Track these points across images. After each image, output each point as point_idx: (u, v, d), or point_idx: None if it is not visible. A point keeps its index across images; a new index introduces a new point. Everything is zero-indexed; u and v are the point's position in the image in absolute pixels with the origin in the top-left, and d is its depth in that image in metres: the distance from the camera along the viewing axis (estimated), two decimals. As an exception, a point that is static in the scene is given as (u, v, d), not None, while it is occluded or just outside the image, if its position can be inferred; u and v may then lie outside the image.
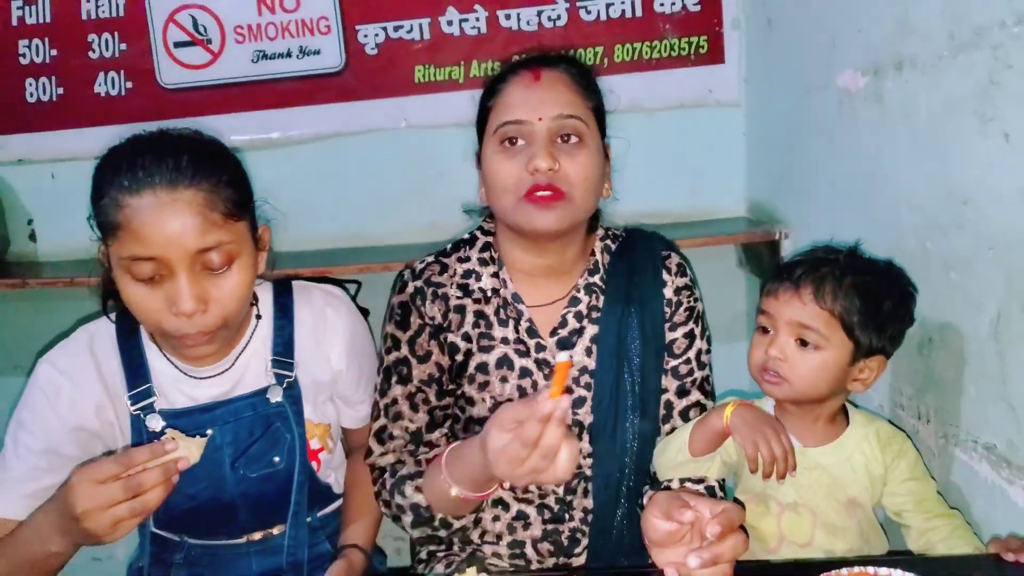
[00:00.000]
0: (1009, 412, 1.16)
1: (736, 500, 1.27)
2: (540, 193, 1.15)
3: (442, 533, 1.21)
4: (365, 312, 1.57)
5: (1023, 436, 1.14)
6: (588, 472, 1.28)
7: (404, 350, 1.26)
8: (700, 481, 1.22)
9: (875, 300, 1.22)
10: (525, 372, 1.26)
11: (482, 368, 1.27)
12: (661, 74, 2.23)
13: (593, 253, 1.31)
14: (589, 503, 1.28)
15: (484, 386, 1.27)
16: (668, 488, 1.22)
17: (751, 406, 1.17)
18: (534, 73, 1.20)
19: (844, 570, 0.90)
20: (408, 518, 1.21)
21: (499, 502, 1.30)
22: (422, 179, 2.23)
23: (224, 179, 1.09)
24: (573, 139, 1.18)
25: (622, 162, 1.41)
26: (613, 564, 1.24)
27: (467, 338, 1.27)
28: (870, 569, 0.90)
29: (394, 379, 1.26)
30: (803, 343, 1.19)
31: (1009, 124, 1.10)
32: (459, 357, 1.27)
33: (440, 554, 1.35)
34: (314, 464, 1.27)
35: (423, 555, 1.38)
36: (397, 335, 1.27)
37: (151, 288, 1.06)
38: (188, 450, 0.99)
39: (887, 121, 1.44)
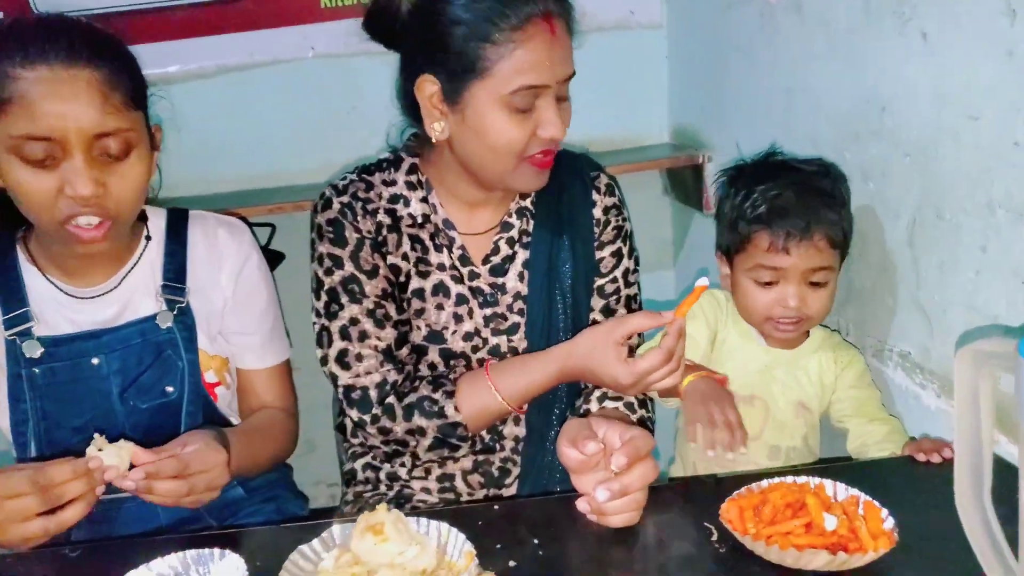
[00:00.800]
0: (922, 318, 1.17)
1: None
2: (546, 158, 1.12)
3: (461, 452, 1.20)
4: (280, 256, 1.49)
5: (935, 341, 1.15)
6: None
7: (349, 266, 1.17)
8: (620, 398, 1.21)
9: (847, 204, 1.23)
10: (461, 299, 1.22)
11: (418, 294, 1.21)
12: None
13: None
14: (520, 431, 1.26)
15: (420, 313, 1.21)
16: (586, 412, 1.20)
17: (710, 379, 1.17)
18: (550, 25, 1.06)
19: (764, 481, 0.90)
20: (428, 440, 1.15)
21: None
22: (335, 113, 2.12)
23: (122, 64, 1.02)
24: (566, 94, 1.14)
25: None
26: (545, 491, 1.22)
27: (406, 259, 1.21)
28: (789, 479, 0.90)
29: (345, 299, 1.16)
30: (813, 283, 1.19)
31: (927, 23, 1.08)
32: (401, 279, 1.21)
33: (368, 494, 1.31)
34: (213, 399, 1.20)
35: (350, 496, 1.34)
36: (336, 252, 1.17)
37: (42, 171, 0.97)
38: (119, 457, 0.91)
39: (806, 31, 1.41)
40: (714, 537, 0.86)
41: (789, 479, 0.90)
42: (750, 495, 0.88)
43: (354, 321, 1.16)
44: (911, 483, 0.97)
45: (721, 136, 1.91)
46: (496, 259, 1.23)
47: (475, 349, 1.21)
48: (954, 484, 0.64)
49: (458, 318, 1.21)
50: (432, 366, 1.22)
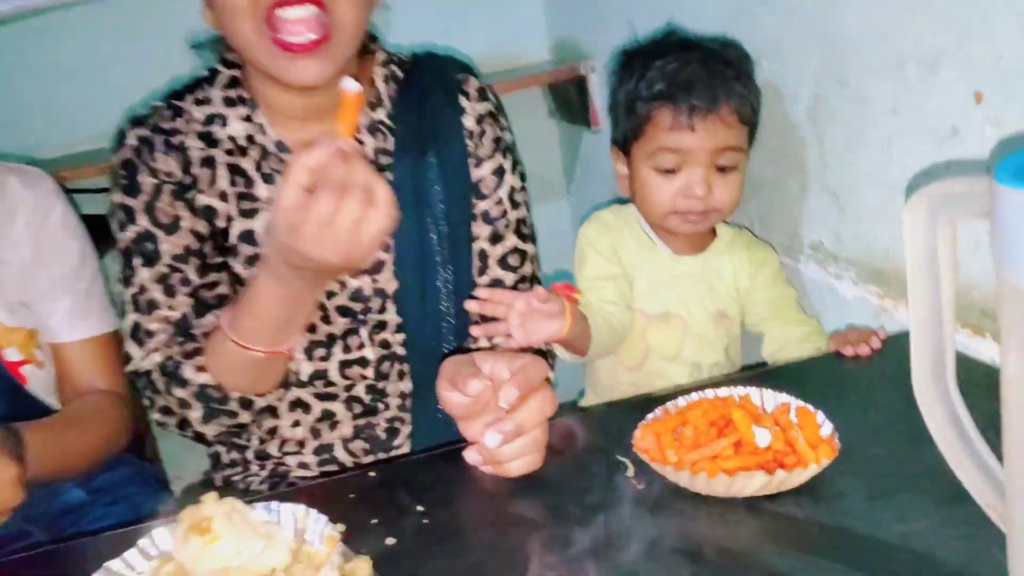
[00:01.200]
0: (832, 202, 1.06)
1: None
2: (294, 39, 0.89)
3: (244, 418, 0.98)
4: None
5: (847, 225, 1.05)
6: (400, 350, 1.08)
7: (143, 221, 0.96)
8: None
9: (753, 84, 1.10)
10: None
11: (247, 238, 1.00)
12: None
13: (373, 83, 1.06)
14: (407, 385, 1.09)
15: (252, 260, 1.01)
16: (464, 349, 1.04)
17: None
18: None
19: (681, 399, 0.77)
20: (197, 412, 0.96)
21: (298, 404, 1.08)
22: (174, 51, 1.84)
23: None
24: None
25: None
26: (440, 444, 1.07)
27: (224, 198, 0.99)
28: (709, 393, 0.77)
29: (138, 261, 0.96)
30: (721, 168, 1.05)
31: None
32: (220, 223, 1.00)
33: (236, 477, 1.12)
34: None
35: (219, 482, 1.15)
36: (128, 203, 0.96)
37: None
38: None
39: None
40: (629, 472, 0.73)
41: (709, 393, 0.78)
42: (667, 417, 0.75)
43: (143, 289, 0.96)
44: (843, 382, 0.86)
45: (604, 43, 1.75)
46: None
47: (329, 296, 1.02)
48: (912, 371, 0.52)
49: None
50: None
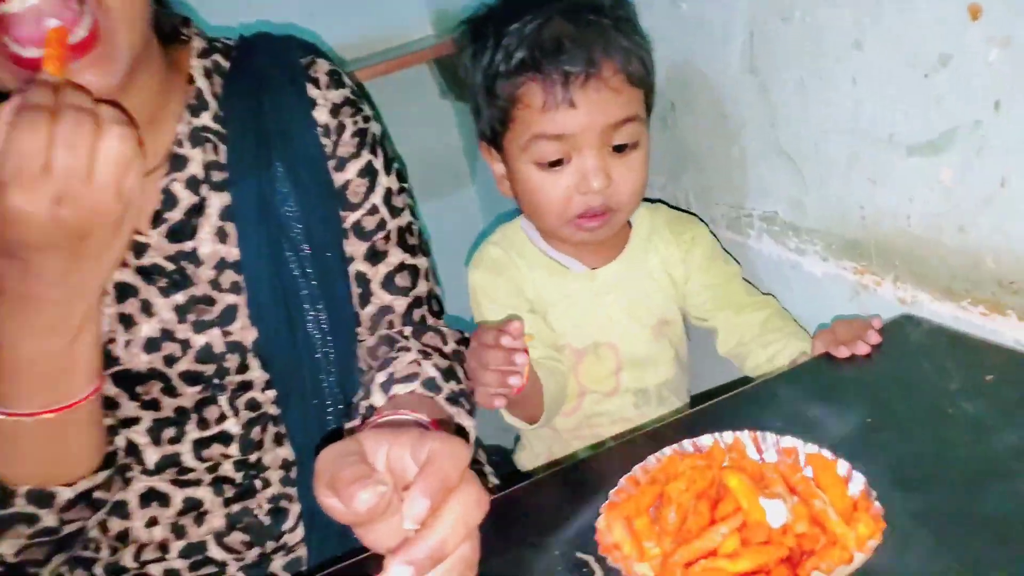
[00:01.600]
0: (786, 163, 0.88)
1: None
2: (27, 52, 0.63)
3: (50, 521, 0.71)
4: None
5: (808, 189, 0.87)
6: (273, 409, 0.85)
7: None
8: (415, 376, 0.82)
9: (639, 34, 0.87)
10: (126, 290, 0.78)
11: None
12: None
13: (191, 80, 0.81)
14: (287, 452, 0.86)
15: None
16: (370, 412, 0.81)
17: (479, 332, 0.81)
18: None
19: (651, 459, 0.56)
20: None
21: (151, 496, 0.83)
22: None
23: None
24: None
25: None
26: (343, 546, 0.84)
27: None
28: (685, 446, 0.57)
29: None
30: (619, 148, 0.83)
31: None
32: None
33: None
34: None
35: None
36: None
37: None
38: None
39: None
40: (598, 579, 0.52)
41: (686, 446, 0.58)
42: (637, 492, 0.54)
43: None
44: (849, 396, 0.66)
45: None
46: (173, 215, 0.79)
47: (171, 361, 0.79)
48: None
49: (128, 320, 0.78)
50: (111, 404, 0.78)
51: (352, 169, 0.85)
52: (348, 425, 0.78)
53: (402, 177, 0.91)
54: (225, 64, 0.84)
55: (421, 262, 0.91)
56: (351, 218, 0.86)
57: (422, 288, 0.90)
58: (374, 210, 0.86)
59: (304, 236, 0.82)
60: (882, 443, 0.57)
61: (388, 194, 0.88)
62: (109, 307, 0.76)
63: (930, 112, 0.69)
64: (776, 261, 0.96)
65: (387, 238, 0.87)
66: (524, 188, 0.88)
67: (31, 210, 0.55)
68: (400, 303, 0.87)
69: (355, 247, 0.86)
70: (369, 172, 0.86)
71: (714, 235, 0.99)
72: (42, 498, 0.70)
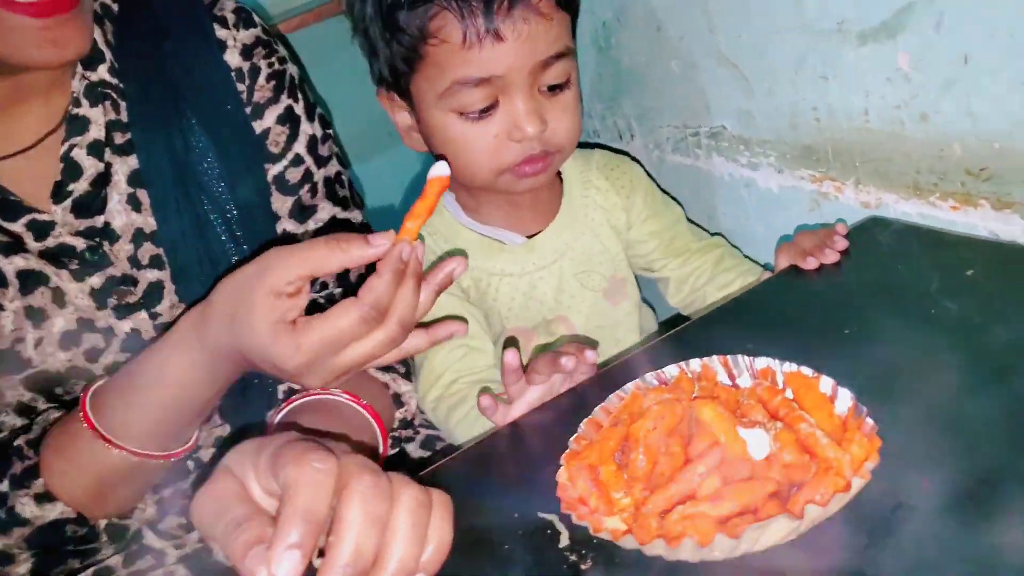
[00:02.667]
0: (730, 73, 0.81)
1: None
2: None
3: (110, 557, 0.71)
4: None
5: (756, 98, 0.80)
6: None
7: None
8: (388, 370, 0.75)
9: None
10: (31, 278, 0.67)
11: None
12: None
13: None
14: (222, 430, 0.78)
15: None
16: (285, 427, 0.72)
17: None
18: None
19: (612, 398, 0.50)
20: (24, 566, 0.66)
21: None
22: None
23: None
24: None
25: None
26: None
27: None
28: (648, 380, 0.51)
29: None
30: (551, 88, 0.73)
31: None
32: None
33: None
34: None
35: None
36: None
37: None
38: None
39: None
40: (563, 542, 0.46)
41: (650, 379, 0.51)
42: (601, 436, 0.48)
43: None
44: (822, 310, 0.61)
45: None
46: (79, 186, 0.69)
47: (94, 355, 0.69)
48: None
49: (37, 314, 0.68)
50: (25, 409, 0.69)
51: (270, 116, 0.76)
52: (270, 415, 0.69)
53: (326, 123, 0.82)
54: (113, 6, 0.73)
55: (355, 216, 0.82)
56: (273, 170, 0.76)
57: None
58: (298, 160, 0.77)
59: (229, 195, 0.73)
60: (865, 354, 0.51)
61: (312, 142, 0.79)
62: (12, 301, 0.66)
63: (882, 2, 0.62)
64: (728, 180, 0.90)
65: (314, 191, 0.79)
66: (445, 141, 0.76)
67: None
68: None
69: (280, 203, 0.77)
70: (290, 118, 0.77)
71: (649, 176, 0.91)
72: (116, 531, 0.69)
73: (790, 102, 0.76)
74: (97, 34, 0.70)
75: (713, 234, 0.90)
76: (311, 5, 1.55)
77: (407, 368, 0.77)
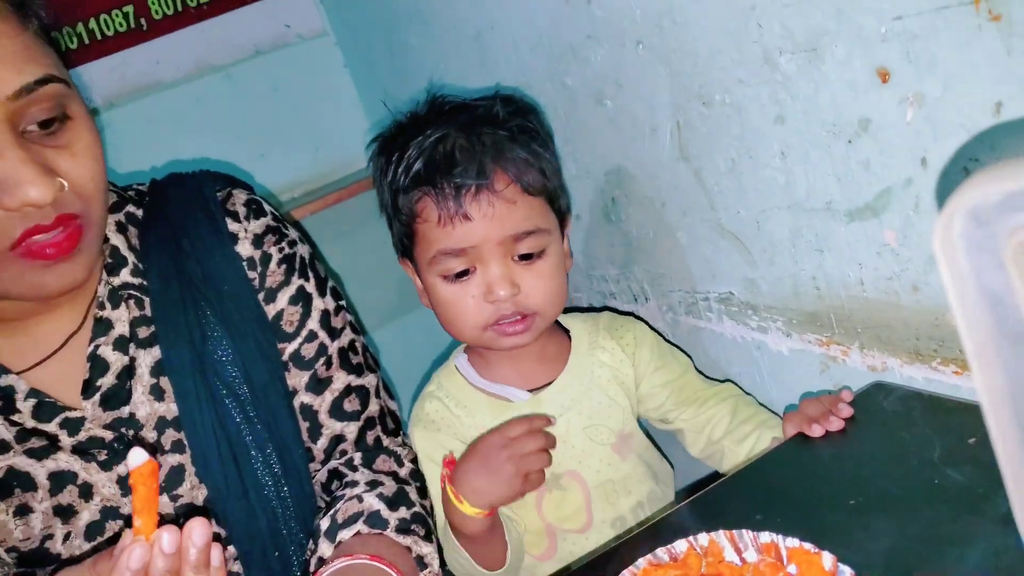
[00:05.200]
0: (732, 244, 0.87)
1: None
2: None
3: None
4: None
5: (758, 268, 0.85)
6: (236, 567, 0.78)
7: None
8: (356, 518, 0.76)
9: (541, 142, 0.86)
10: (63, 479, 0.71)
11: None
12: (214, 22, 1.73)
13: (107, 238, 0.78)
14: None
15: None
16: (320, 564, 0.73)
17: (468, 456, 0.78)
18: None
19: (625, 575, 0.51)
20: None
21: None
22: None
23: None
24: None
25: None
26: None
27: None
28: (659, 555, 0.52)
29: None
30: (526, 256, 0.82)
31: None
32: None
33: None
34: None
35: None
36: None
37: None
38: None
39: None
40: None
41: (661, 555, 0.52)
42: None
43: None
44: (827, 479, 0.62)
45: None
46: (105, 380, 0.74)
47: (118, 540, 0.72)
48: (1003, 471, 0.30)
49: (66, 511, 0.72)
50: None
51: (283, 298, 0.82)
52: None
53: (338, 295, 0.88)
54: (138, 213, 0.82)
55: (369, 380, 0.86)
56: (289, 349, 0.82)
57: (373, 408, 0.85)
58: (312, 336, 0.83)
59: (242, 378, 0.78)
60: (869, 526, 0.52)
61: (325, 317, 0.84)
62: (42, 503, 0.70)
63: (860, 176, 0.68)
64: (740, 342, 0.93)
65: (328, 363, 0.83)
66: (436, 301, 0.85)
67: None
68: (351, 428, 0.83)
69: (296, 378, 0.82)
70: (302, 297, 0.83)
71: (656, 332, 0.95)
72: None
73: (790, 272, 0.81)
74: (121, 241, 0.78)
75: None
76: (345, 183, 1.69)
77: (426, 529, 0.79)
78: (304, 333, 0.82)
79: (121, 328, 0.75)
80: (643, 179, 0.95)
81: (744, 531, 0.51)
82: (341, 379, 0.83)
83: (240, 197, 0.84)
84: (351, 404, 0.83)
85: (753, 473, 0.66)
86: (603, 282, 1.14)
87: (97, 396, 0.73)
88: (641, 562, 0.53)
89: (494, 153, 0.80)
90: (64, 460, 0.72)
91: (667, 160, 0.90)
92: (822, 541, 0.48)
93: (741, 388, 0.91)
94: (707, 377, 0.93)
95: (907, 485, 0.56)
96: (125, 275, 0.77)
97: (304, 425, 0.82)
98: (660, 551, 0.53)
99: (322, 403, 0.82)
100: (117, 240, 0.78)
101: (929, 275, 0.66)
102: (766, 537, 0.50)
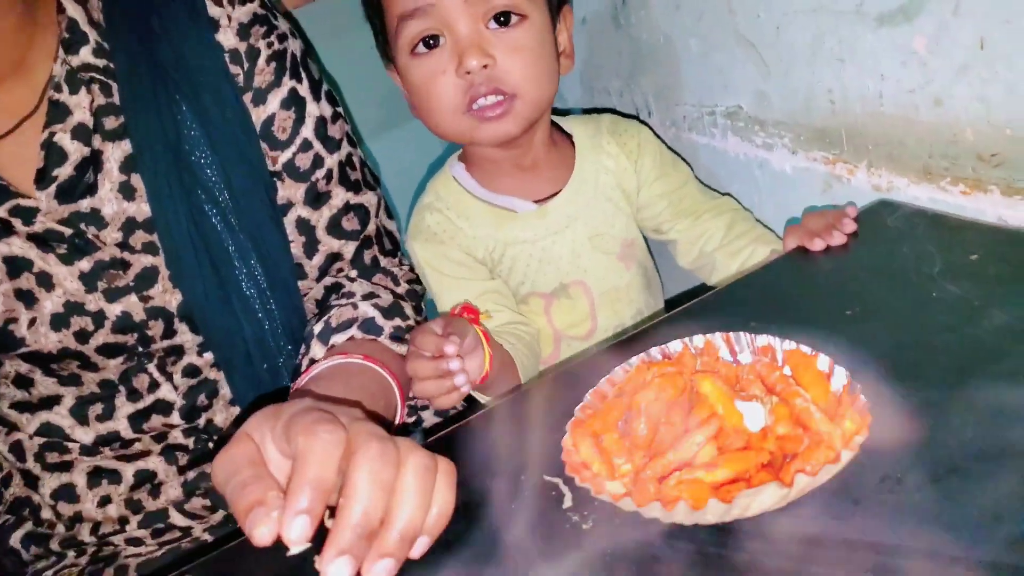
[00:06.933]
0: (748, 53, 0.82)
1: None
2: None
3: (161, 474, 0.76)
4: None
5: (772, 79, 0.81)
6: (213, 373, 0.78)
7: None
8: (351, 323, 0.73)
9: None
10: (18, 264, 0.68)
11: None
12: None
13: (62, 8, 0.69)
14: (238, 412, 0.81)
15: None
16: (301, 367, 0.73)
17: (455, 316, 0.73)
18: None
19: (618, 371, 0.52)
20: None
21: (98, 474, 0.77)
22: None
23: None
24: None
25: None
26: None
27: None
28: (653, 353, 0.53)
29: None
30: (502, 18, 0.73)
31: None
32: None
33: (49, 573, 0.82)
34: None
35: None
36: None
37: None
38: None
39: None
40: (566, 502, 0.48)
41: (654, 353, 0.53)
42: (604, 406, 0.50)
43: None
44: (826, 291, 0.62)
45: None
46: (62, 171, 0.68)
47: (84, 336, 0.70)
48: None
49: (27, 296, 0.69)
50: (25, 381, 0.71)
51: (274, 101, 0.75)
52: (292, 385, 0.71)
53: (334, 100, 0.82)
54: None
55: (369, 199, 0.83)
56: (282, 158, 0.76)
57: (371, 227, 0.82)
58: (307, 145, 0.77)
59: (222, 183, 0.72)
60: (865, 334, 0.53)
61: (320, 124, 0.78)
62: (1, 283, 0.67)
63: (900, -26, 0.63)
64: (743, 160, 0.91)
65: (328, 177, 0.78)
66: (412, 91, 0.79)
67: None
68: (349, 248, 0.80)
69: (291, 190, 0.77)
70: (295, 101, 0.76)
71: (660, 138, 0.92)
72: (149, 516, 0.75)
73: (806, 84, 0.77)
74: (79, 13, 0.69)
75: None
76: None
77: None
78: (298, 141, 0.76)
79: (81, 115, 0.68)
80: (658, -23, 0.88)
81: (741, 333, 0.51)
82: (340, 195, 0.79)
83: None
84: (350, 223, 0.80)
85: (751, 282, 0.66)
86: (605, 95, 1.09)
87: (53, 188, 0.67)
88: (634, 360, 0.53)
89: None
90: (19, 246, 0.67)
91: (687, -46, 0.83)
92: (819, 347, 0.48)
93: (740, 203, 0.89)
94: (708, 187, 0.91)
95: (904, 297, 0.56)
96: (86, 55, 0.69)
97: (300, 240, 0.78)
98: (654, 350, 0.54)
99: (319, 219, 0.78)
100: (75, 12, 0.69)
101: (955, 87, 0.63)
102: (763, 340, 0.50)
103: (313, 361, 0.72)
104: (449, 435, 0.58)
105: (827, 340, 0.49)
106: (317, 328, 0.73)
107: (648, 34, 0.94)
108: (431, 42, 0.74)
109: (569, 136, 0.88)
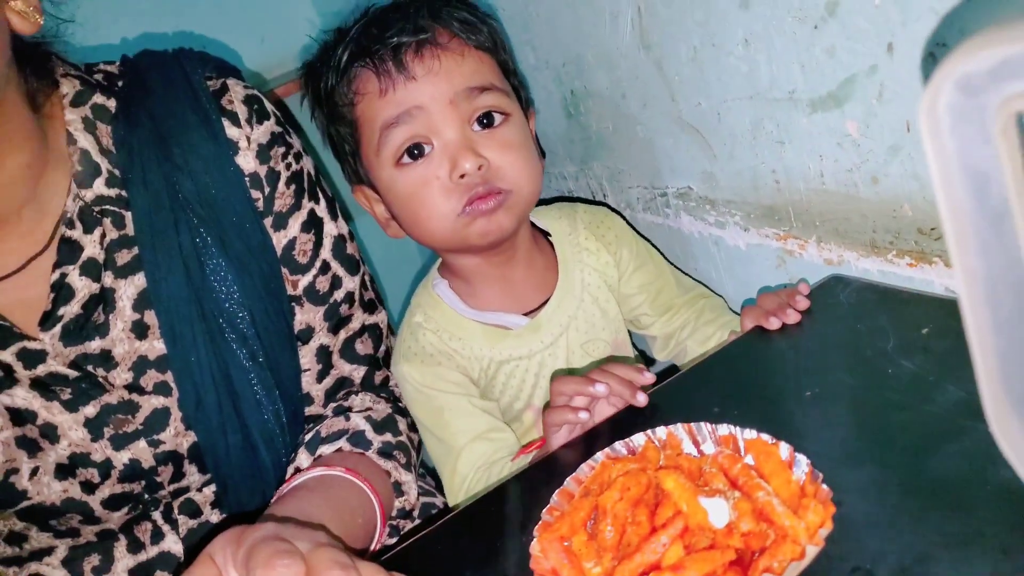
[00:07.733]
0: (692, 137, 0.85)
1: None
2: None
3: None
4: None
5: (718, 161, 0.83)
6: (216, 517, 0.73)
7: None
8: (340, 434, 0.71)
9: (483, 16, 0.79)
10: (21, 416, 0.63)
11: None
12: None
13: (73, 139, 0.64)
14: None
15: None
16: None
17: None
18: None
19: (583, 467, 0.52)
20: None
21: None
22: None
23: None
24: None
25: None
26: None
27: None
28: (617, 448, 0.53)
29: None
30: (485, 120, 0.73)
31: None
32: None
33: None
34: None
35: None
36: None
37: None
38: None
39: None
40: (539, 613, 0.47)
41: (619, 448, 0.53)
42: (572, 509, 0.49)
43: None
44: (784, 371, 0.63)
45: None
46: (69, 310, 0.63)
47: (89, 488, 0.66)
48: (979, 378, 0.30)
49: (31, 445, 0.63)
50: (18, 538, 0.66)
51: (295, 225, 0.71)
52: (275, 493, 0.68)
53: (345, 215, 0.79)
54: (109, 103, 0.67)
55: (382, 318, 0.81)
56: (302, 282, 0.72)
57: (382, 349, 0.80)
58: (325, 267, 0.73)
59: (247, 315, 0.67)
60: (825, 416, 0.53)
61: (339, 243, 0.75)
62: (2, 431, 0.63)
63: (825, 64, 0.66)
64: (698, 238, 0.92)
65: (349, 301, 0.75)
66: (400, 204, 0.75)
67: None
68: (359, 372, 0.77)
69: (310, 314, 0.73)
70: (314, 224, 0.73)
71: (627, 221, 0.94)
72: None
73: (750, 165, 0.79)
74: (90, 143, 0.65)
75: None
76: (292, 76, 1.58)
77: (408, 459, 0.75)
78: (318, 264, 0.73)
79: (92, 250, 0.64)
80: (603, 69, 0.91)
81: (702, 424, 0.51)
82: (358, 318, 0.76)
83: (237, 91, 0.70)
84: (364, 346, 0.77)
85: (710, 366, 0.66)
86: (561, 180, 1.11)
87: (58, 328, 0.63)
88: (599, 455, 0.53)
89: (430, 9, 0.73)
90: (22, 397, 0.63)
91: (627, 49, 0.86)
92: (779, 432, 0.49)
93: (707, 287, 0.90)
94: (676, 268, 0.92)
95: (861, 375, 0.56)
96: (100, 186, 0.65)
97: (316, 367, 0.74)
98: (618, 444, 0.53)
99: (335, 343, 0.75)
100: (86, 142, 0.65)
101: (889, 166, 0.65)
102: (724, 429, 0.50)
103: (298, 470, 0.69)
104: (415, 542, 0.57)
105: (788, 424, 0.50)
106: (307, 436, 0.71)
107: (596, 123, 0.97)
108: (415, 152, 0.72)
109: (545, 233, 0.88)
